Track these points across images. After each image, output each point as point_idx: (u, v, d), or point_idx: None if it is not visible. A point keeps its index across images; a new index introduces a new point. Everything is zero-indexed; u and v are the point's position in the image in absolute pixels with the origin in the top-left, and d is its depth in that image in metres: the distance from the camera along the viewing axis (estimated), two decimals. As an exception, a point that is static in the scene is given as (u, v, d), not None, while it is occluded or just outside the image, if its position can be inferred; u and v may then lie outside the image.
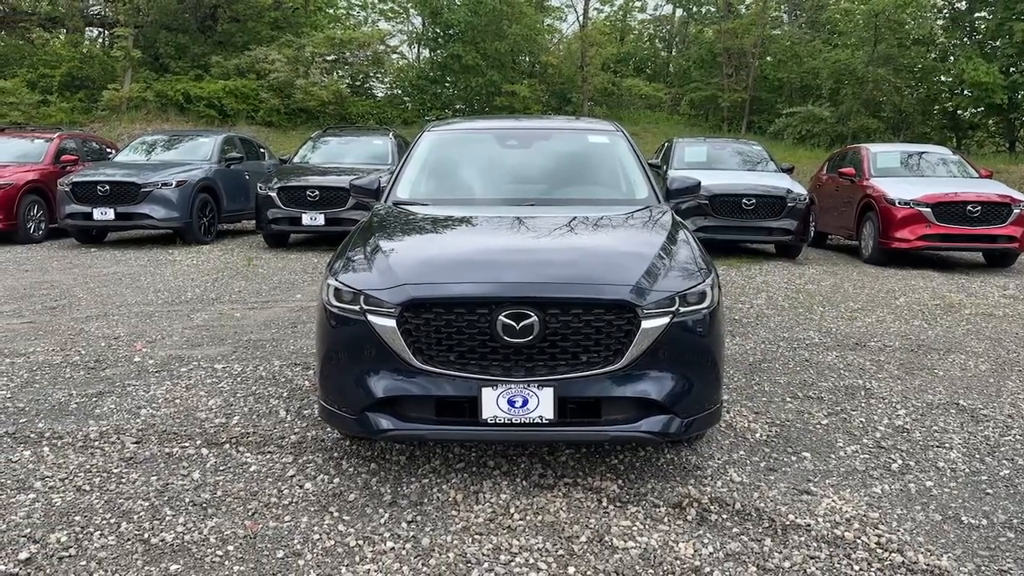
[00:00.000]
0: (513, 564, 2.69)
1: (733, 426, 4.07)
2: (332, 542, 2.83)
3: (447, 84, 26.77)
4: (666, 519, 3.03)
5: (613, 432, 3.12)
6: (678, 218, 4.12)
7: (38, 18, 25.79)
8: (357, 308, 3.16)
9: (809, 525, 3.00)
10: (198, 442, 3.78)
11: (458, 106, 26.20)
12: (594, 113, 25.42)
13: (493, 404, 3.03)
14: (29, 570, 2.61)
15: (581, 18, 27.54)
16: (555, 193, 4.35)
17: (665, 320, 3.09)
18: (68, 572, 2.60)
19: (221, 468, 3.48)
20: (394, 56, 27.38)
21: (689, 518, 3.04)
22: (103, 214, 10.82)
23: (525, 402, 3.03)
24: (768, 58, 27.35)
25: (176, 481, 3.33)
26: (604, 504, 3.15)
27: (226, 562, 2.69)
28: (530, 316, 2.98)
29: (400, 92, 27.05)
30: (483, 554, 2.75)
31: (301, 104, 23.79)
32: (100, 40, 28.43)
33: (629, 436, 3.14)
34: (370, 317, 3.11)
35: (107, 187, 10.83)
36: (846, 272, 9.89)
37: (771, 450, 3.75)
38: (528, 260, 3.29)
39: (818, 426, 4.10)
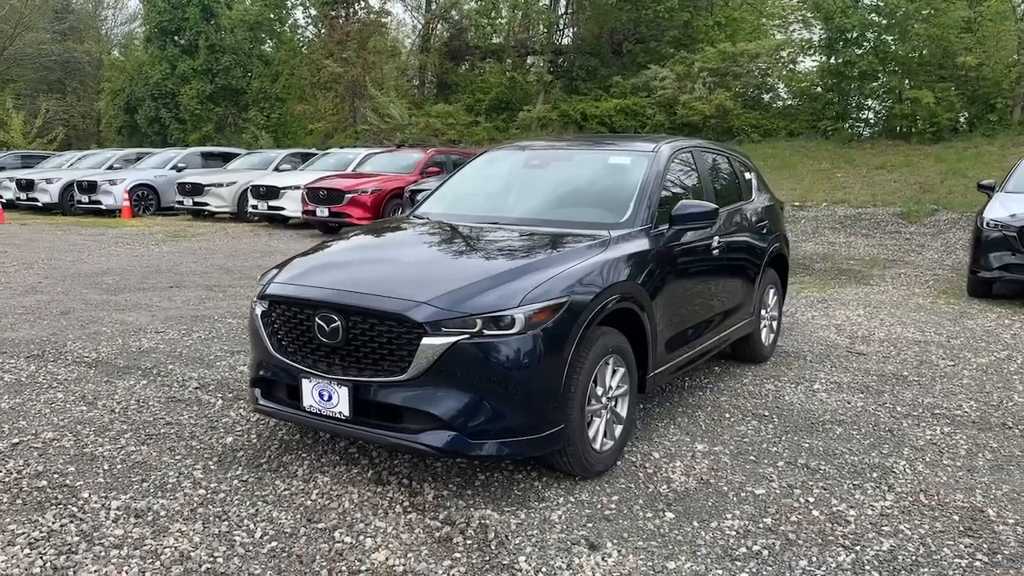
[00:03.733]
0: (241, 533, 3.12)
1: (659, 468, 3.74)
2: (159, 475, 3.58)
3: (849, 91, 24.67)
4: (417, 530, 3.11)
5: (396, 439, 3.29)
6: (627, 247, 3.88)
7: (481, 51, 30.71)
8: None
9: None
10: (226, 394, 4.80)
11: (853, 116, 24.00)
12: (1025, 122, 21.11)
13: (309, 394, 3.46)
14: None
15: (1022, 7, 22.92)
16: (533, 214, 4.36)
17: (451, 339, 3.15)
18: None
19: (193, 408, 4.51)
20: (790, 66, 26.18)
21: (437, 535, 3.08)
22: (426, 216, 12.95)
23: (330, 396, 3.39)
24: None
25: (141, 415, 4.41)
26: (389, 507, 3.32)
27: (50, 450, 3.62)
28: (335, 321, 3.33)
29: (793, 103, 25.80)
30: (242, 514, 3.22)
31: (684, 119, 24.31)
32: (525, 67, 32.57)
33: (409, 446, 3.29)
34: (255, 305, 3.77)
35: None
36: None
37: (645, 504, 3.39)
38: (365, 272, 3.65)
39: (749, 495, 3.49)
